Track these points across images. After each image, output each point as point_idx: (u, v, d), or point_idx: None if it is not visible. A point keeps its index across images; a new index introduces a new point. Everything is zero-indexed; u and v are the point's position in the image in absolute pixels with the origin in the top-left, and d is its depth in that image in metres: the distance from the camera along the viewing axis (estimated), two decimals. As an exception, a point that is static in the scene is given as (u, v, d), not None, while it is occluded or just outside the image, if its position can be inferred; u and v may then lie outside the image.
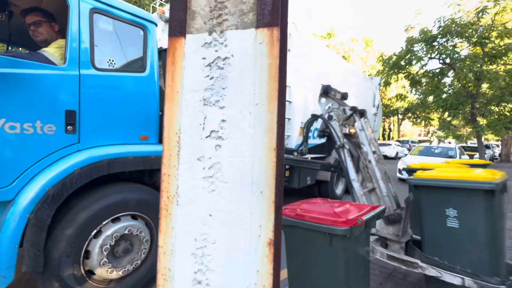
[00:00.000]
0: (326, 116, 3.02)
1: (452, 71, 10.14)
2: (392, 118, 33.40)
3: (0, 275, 1.53)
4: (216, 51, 0.76)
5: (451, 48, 9.62)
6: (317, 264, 1.60)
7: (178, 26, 0.80)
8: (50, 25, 2.13)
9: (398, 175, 9.54)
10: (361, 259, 1.62)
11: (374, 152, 3.06)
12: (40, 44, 2.13)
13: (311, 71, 4.94)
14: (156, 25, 2.48)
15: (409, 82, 11.38)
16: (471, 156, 12.87)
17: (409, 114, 24.24)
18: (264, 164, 0.72)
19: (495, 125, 9.28)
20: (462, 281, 1.90)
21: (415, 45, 10.05)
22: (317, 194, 5.92)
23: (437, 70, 10.69)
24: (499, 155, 20.95)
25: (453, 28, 9.26)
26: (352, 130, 3.01)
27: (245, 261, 0.74)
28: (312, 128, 3.93)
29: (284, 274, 1.96)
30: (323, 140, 3.41)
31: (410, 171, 3.24)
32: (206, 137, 0.77)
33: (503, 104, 9.25)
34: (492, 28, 9.09)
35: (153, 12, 4.14)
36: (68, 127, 1.88)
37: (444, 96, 10.10)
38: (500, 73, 8.70)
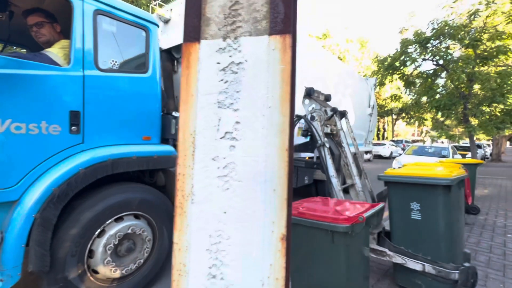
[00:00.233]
0: (309, 116, 3.19)
1: (445, 72, 10.34)
2: (386, 118, 33.82)
3: (7, 274, 1.54)
4: (230, 56, 0.80)
5: (444, 50, 9.81)
6: (319, 261, 1.65)
7: (193, 32, 0.84)
8: (52, 26, 2.14)
9: (393, 174, 9.66)
10: (362, 255, 1.68)
11: (354, 154, 3.45)
12: (42, 45, 2.14)
13: (308, 72, 5.01)
14: (158, 26, 2.51)
15: (403, 83, 11.55)
16: (463, 156, 13.14)
17: (403, 114, 24.59)
18: (277, 164, 0.76)
19: (487, 125, 9.49)
20: (423, 267, 2.12)
21: (409, 46, 10.21)
22: (314, 194, 5.99)
23: (431, 71, 10.87)
24: (490, 154, 21.41)
25: (446, 30, 9.43)
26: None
27: (259, 256, 0.78)
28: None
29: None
30: (307, 139, 3.65)
31: None
32: (221, 138, 0.81)
33: (494, 104, 9.46)
34: (484, 30, 9.29)
35: (151, 13, 4.15)
36: (73, 128, 1.89)
37: (437, 96, 10.29)
38: (492, 74, 8.90)
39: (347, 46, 22.62)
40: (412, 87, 11.77)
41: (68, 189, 1.78)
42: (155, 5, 3.87)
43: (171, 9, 3.81)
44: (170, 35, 3.62)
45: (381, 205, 1.78)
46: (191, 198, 0.84)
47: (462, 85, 9.61)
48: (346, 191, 3.34)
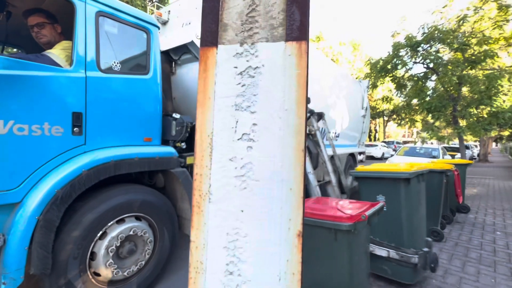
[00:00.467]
0: None
1: (435, 75, 10.64)
2: (378, 120, 34.39)
3: (9, 277, 1.52)
4: (247, 61, 0.84)
5: (434, 53, 10.09)
6: (322, 259, 1.69)
7: (210, 37, 0.87)
8: (53, 27, 2.13)
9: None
10: (363, 252, 1.73)
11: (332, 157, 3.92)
12: (43, 46, 2.12)
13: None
14: (159, 28, 2.52)
15: (395, 85, 11.82)
16: (453, 156, 13.50)
17: (394, 116, 25.07)
18: (293, 164, 0.80)
19: (475, 126, 9.81)
20: (388, 253, 2.35)
21: (401, 50, 10.47)
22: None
23: (421, 74, 11.17)
24: (478, 155, 22.05)
25: (436, 35, 9.72)
26: None
27: (275, 252, 0.81)
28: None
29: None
30: None
31: None
32: (238, 139, 0.84)
33: (481, 107, 9.79)
34: (472, 35, 9.61)
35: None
36: (75, 129, 1.88)
37: (427, 99, 10.58)
38: (480, 77, 9.21)
39: (340, 48, 22.94)
40: (403, 90, 12.05)
41: (72, 190, 1.77)
42: (153, 7, 3.87)
43: (169, 11, 3.82)
44: (168, 36, 3.62)
45: (380, 204, 1.84)
46: (209, 197, 0.87)
47: (451, 88, 9.91)
48: (324, 186, 3.86)
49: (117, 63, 2.17)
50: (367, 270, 1.83)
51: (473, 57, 9.53)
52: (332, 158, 4.06)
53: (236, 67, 0.84)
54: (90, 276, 1.96)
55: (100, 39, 2.04)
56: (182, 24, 3.46)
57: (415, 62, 10.85)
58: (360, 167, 2.77)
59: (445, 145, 18.56)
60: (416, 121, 13.62)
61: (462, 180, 4.90)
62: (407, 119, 13.90)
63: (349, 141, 7.61)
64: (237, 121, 0.84)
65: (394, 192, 2.43)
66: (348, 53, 23.96)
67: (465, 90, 10.19)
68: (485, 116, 10.04)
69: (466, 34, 9.75)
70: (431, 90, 11.22)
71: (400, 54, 10.64)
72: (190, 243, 0.89)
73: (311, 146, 3.69)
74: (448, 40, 9.52)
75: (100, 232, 1.98)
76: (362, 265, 1.69)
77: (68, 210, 1.84)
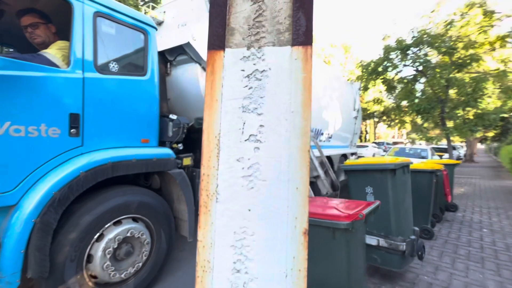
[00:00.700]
0: None
1: (424, 78, 10.94)
2: (368, 121, 34.99)
3: (5, 281, 1.50)
4: (254, 64, 0.86)
5: (423, 56, 10.39)
6: (320, 257, 1.72)
7: (217, 41, 0.89)
8: (47, 27, 2.10)
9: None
10: (360, 250, 1.78)
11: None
12: (37, 47, 2.09)
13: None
14: (156, 29, 2.52)
15: (385, 87, 12.09)
16: (440, 157, 13.88)
17: (384, 117, 25.58)
18: (299, 164, 0.82)
19: (461, 127, 10.14)
20: (378, 242, 2.47)
21: (392, 53, 10.73)
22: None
23: (411, 77, 11.46)
24: (464, 155, 22.72)
25: (424, 39, 10.01)
26: None
27: (282, 249, 0.84)
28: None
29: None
30: None
31: None
32: (245, 140, 0.87)
33: (467, 108, 10.13)
34: (459, 39, 9.94)
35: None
36: (72, 130, 1.86)
37: (416, 101, 10.87)
38: (466, 80, 9.54)
39: (331, 51, 23.26)
40: (393, 92, 12.34)
41: (69, 192, 1.75)
42: (148, 7, 3.85)
43: (164, 12, 3.81)
44: (163, 37, 3.61)
45: (376, 203, 1.89)
46: (216, 197, 0.89)
47: (439, 90, 10.21)
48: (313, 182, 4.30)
49: (115, 64, 2.16)
50: (364, 267, 1.87)
51: (460, 61, 9.86)
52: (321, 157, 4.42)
53: (243, 70, 0.87)
54: (87, 279, 1.94)
55: (97, 39, 2.03)
56: (177, 25, 3.46)
57: (405, 65, 11.14)
58: (348, 161, 2.91)
59: (434, 145, 19.06)
60: (406, 122, 13.95)
61: (450, 179, 5.06)
62: (397, 121, 14.22)
63: (341, 142, 7.72)
64: (244, 123, 0.86)
65: (381, 183, 2.56)
66: (340, 55, 24.32)
67: (452, 92, 10.52)
68: (471, 117, 10.39)
69: (453, 38, 10.08)
70: (420, 92, 11.53)
71: (391, 56, 10.90)
72: (197, 242, 0.91)
73: None
74: (436, 44, 9.82)
75: (97, 234, 1.96)
76: (359, 262, 1.74)
77: (65, 212, 1.82)
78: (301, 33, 0.82)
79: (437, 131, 14.88)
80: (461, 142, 29.20)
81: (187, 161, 2.77)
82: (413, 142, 15.87)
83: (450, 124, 11.03)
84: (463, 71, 10.24)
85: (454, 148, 19.11)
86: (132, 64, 2.33)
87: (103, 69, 2.06)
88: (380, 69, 11.01)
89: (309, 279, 1.77)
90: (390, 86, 11.88)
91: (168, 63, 3.67)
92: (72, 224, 1.83)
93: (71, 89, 1.85)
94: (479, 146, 44.36)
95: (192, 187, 2.68)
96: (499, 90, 11.39)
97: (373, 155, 21.00)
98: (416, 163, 4.23)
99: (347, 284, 1.66)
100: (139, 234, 2.22)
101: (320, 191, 4.51)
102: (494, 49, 10.34)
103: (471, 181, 9.97)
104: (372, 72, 11.10)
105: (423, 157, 10.37)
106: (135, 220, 2.26)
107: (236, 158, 0.87)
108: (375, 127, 35.92)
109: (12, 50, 2.96)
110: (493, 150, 29.79)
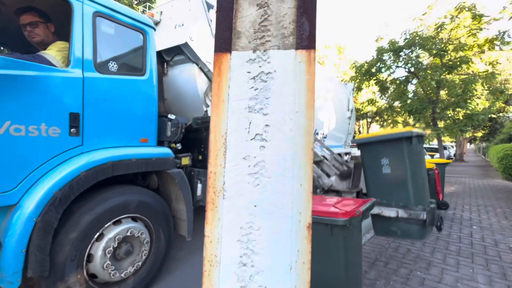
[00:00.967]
0: None
1: (416, 79, 11.18)
2: (361, 121, 35.43)
3: (6, 280, 1.50)
4: (260, 66, 0.90)
5: (415, 58, 10.62)
6: (318, 253, 1.77)
7: (224, 44, 0.93)
8: (46, 26, 2.10)
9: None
10: (357, 246, 1.83)
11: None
12: (36, 46, 2.09)
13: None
14: (155, 30, 2.53)
15: (378, 88, 12.30)
16: (432, 156, 14.19)
17: (377, 118, 25.95)
18: (303, 161, 0.87)
19: (452, 128, 10.39)
20: (397, 213, 2.48)
21: (384, 54, 10.92)
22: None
23: (403, 78, 11.69)
24: (454, 155, 23.27)
25: (416, 41, 10.23)
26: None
27: (287, 243, 0.88)
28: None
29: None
30: None
31: None
32: (251, 139, 0.90)
33: (457, 109, 10.40)
34: (449, 42, 10.20)
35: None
36: (72, 130, 1.87)
37: (408, 101, 11.10)
38: (456, 82, 9.79)
39: (325, 52, 23.47)
40: (386, 92, 12.56)
41: (70, 192, 1.76)
42: (144, 7, 3.84)
43: (161, 12, 3.81)
44: (161, 37, 3.62)
45: (372, 200, 1.95)
46: (223, 194, 0.92)
47: (430, 91, 10.44)
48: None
49: (114, 64, 2.17)
50: (361, 263, 1.93)
51: (450, 63, 10.11)
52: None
53: (249, 72, 0.90)
54: (87, 278, 1.95)
55: (97, 39, 2.03)
56: (174, 25, 3.47)
57: (397, 66, 11.35)
58: (360, 135, 3.04)
59: (425, 145, 19.45)
60: (398, 122, 14.20)
61: (441, 178, 5.21)
62: (389, 121, 14.47)
63: (335, 142, 7.83)
64: (250, 122, 0.90)
65: (398, 152, 2.52)
66: (334, 56, 24.57)
67: (443, 93, 10.77)
68: (461, 118, 10.66)
69: (444, 41, 10.32)
70: (412, 93, 11.76)
71: (384, 58, 11.09)
72: (204, 237, 0.94)
73: None
74: (428, 46, 10.05)
75: (97, 234, 1.97)
76: (356, 259, 1.80)
77: (64, 212, 1.82)
78: (305, 37, 0.86)
79: (428, 131, 15.22)
80: (452, 142, 29.89)
81: (186, 160, 2.79)
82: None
83: (441, 124, 11.30)
84: (454, 73, 10.51)
85: (445, 148, 19.56)
86: (131, 64, 2.34)
87: (103, 69, 2.07)
88: (373, 70, 11.20)
89: (307, 275, 1.82)
90: (383, 87, 12.09)
91: (165, 63, 3.68)
92: (72, 224, 1.84)
93: (71, 89, 1.86)
94: (469, 146, 45.44)
95: (191, 186, 2.70)
96: (488, 91, 11.73)
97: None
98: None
99: (344, 280, 1.71)
100: (139, 233, 2.23)
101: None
102: (483, 52, 10.64)
103: (461, 180, 10.23)
104: (365, 73, 11.28)
105: (415, 157, 10.57)
106: (134, 219, 2.27)
107: (242, 156, 0.91)
108: (368, 127, 36.42)
109: (3, 49, 2.92)
110: (482, 150, 30.57)
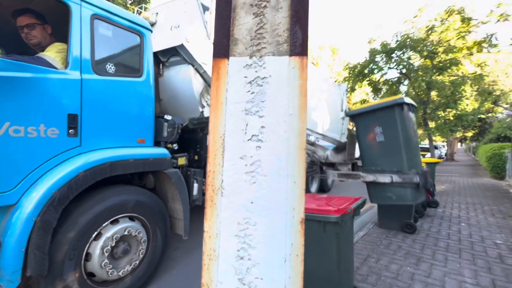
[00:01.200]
0: None
1: (407, 80, 11.41)
2: (355, 121, 35.82)
3: (6, 279, 1.52)
4: (256, 71, 0.96)
5: (406, 60, 10.84)
6: (311, 249, 1.84)
7: (222, 50, 0.98)
8: (43, 28, 2.11)
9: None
10: (349, 242, 1.91)
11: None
12: (33, 47, 2.10)
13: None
14: (152, 32, 2.56)
15: (371, 89, 12.51)
16: (423, 156, 14.49)
17: (371, 118, 26.33)
18: (297, 160, 0.93)
19: (442, 128, 10.65)
20: (391, 178, 2.58)
21: (377, 56, 11.12)
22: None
23: (395, 79, 11.92)
24: (445, 154, 23.76)
25: (408, 43, 10.45)
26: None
27: (281, 237, 0.94)
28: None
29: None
30: None
31: None
32: (248, 140, 0.96)
33: (448, 110, 10.66)
34: (439, 44, 10.44)
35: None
36: (70, 131, 1.89)
37: (401, 102, 11.32)
38: (446, 83, 10.04)
39: (319, 52, 23.68)
40: (379, 93, 12.77)
41: (69, 192, 1.78)
42: (140, 8, 3.86)
43: (157, 13, 3.84)
44: (156, 38, 3.64)
45: (362, 198, 2.03)
46: (221, 192, 0.98)
47: (421, 92, 10.66)
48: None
49: (111, 66, 2.20)
50: (352, 259, 2.01)
51: (440, 64, 10.35)
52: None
53: (246, 77, 0.96)
54: (85, 277, 1.97)
55: (94, 41, 2.06)
56: (170, 27, 3.50)
57: (389, 67, 11.55)
58: (353, 107, 3.20)
59: (417, 145, 19.81)
60: (391, 123, 14.45)
61: (432, 177, 5.35)
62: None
63: (329, 142, 7.94)
64: (247, 124, 0.96)
65: (391, 119, 2.63)
66: (327, 57, 24.81)
67: (433, 94, 11.02)
68: (451, 118, 10.92)
69: (434, 43, 10.56)
70: (404, 94, 12.00)
71: (376, 59, 11.28)
72: (203, 233, 0.99)
73: None
74: (419, 48, 10.27)
75: (95, 233, 2.00)
76: (348, 254, 1.87)
77: (63, 212, 1.84)
78: (298, 44, 0.92)
79: (420, 131, 15.55)
80: (443, 141, 30.50)
81: (182, 160, 2.83)
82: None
83: (432, 124, 11.55)
84: (444, 74, 10.77)
85: (436, 147, 19.97)
86: (129, 65, 2.37)
87: (100, 70, 2.10)
88: (366, 71, 11.38)
89: (301, 270, 1.89)
90: (375, 88, 12.30)
91: (161, 64, 3.71)
92: (71, 223, 1.86)
93: (69, 90, 1.89)
94: (459, 145, 46.38)
95: (187, 186, 2.75)
96: (476, 92, 12.04)
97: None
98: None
99: (336, 275, 1.78)
100: (136, 232, 2.27)
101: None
102: (471, 54, 10.92)
103: (451, 178, 10.47)
104: (358, 74, 11.46)
105: (407, 156, 10.78)
106: (131, 219, 2.30)
107: (239, 156, 0.96)
108: (361, 128, 36.84)
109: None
110: (472, 149, 31.26)
